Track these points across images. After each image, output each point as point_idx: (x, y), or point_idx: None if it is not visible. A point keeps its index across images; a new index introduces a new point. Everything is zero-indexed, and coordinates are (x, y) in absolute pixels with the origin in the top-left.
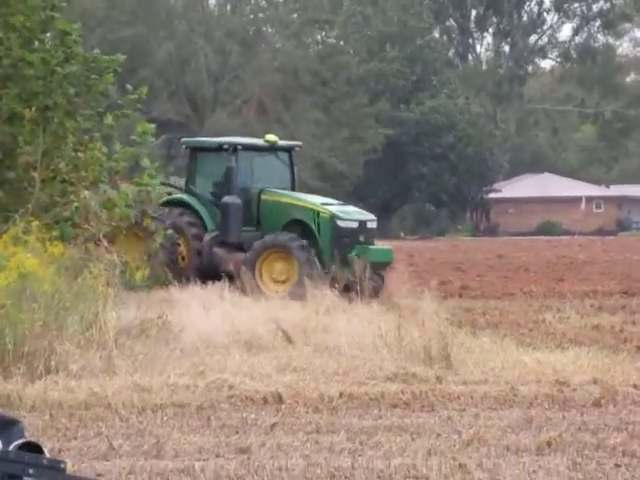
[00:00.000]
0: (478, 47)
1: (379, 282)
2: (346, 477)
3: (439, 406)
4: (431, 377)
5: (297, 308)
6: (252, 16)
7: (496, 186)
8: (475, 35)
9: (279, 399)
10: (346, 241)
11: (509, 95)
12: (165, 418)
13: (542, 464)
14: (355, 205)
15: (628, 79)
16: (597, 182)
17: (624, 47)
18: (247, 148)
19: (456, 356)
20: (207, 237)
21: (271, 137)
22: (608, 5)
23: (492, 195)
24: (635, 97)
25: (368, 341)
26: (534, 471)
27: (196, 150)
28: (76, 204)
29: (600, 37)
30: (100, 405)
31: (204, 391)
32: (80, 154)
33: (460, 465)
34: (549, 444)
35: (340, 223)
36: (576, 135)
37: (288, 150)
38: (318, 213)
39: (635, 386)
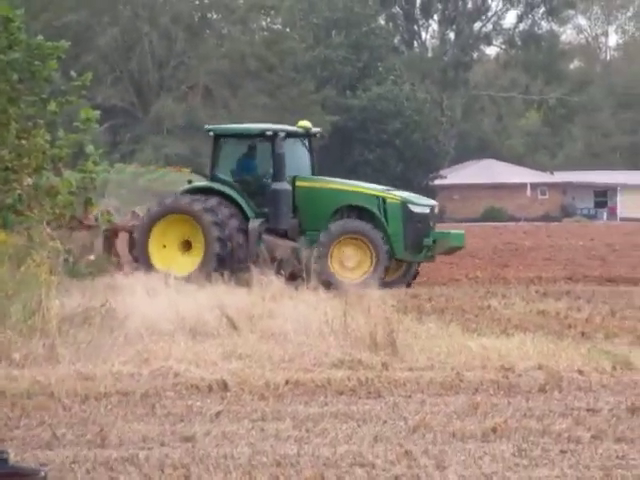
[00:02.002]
0: (424, 34)
1: (412, 274)
2: (292, 465)
3: (385, 392)
4: (377, 363)
5: (242, 294)
6: (197, 2)
7: (442, 172)
8: (420, 22)
9: (224, 387)
10: (420, 227)
11: (455, 82)
12: (109, 406)
13: (487, 450)
14: None
15: (572, 66)
16: (542, 168)
17: (568, 34)
18: (289, 135)
19: (402, 342)
20: (252, 225)
21: (305, 123)
22: None
23: (438, 181)
24: (578, 84)
25: (314, 327)
26: (480, 457)
27: (226, 137)
28: (19, 191)
29: (544, 24)
30: (43, 394)
31: (148, 379)
32: (23, 141)
33: (406, 452)
34: (494, 430)
35: (414, 209)
36: (521, 121)
37: (312, 136)
38: (384, 199)
39: (580, 372)
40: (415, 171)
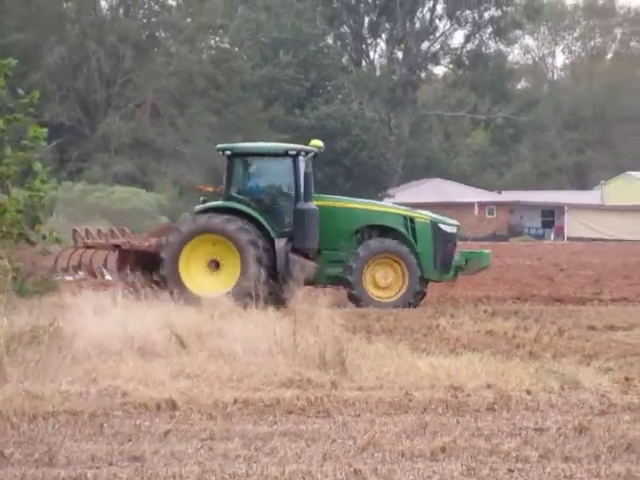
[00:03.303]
0: (372, 53)
1: (420, 295)
2: None
3: (334, 412)
4: (326, 383)
5: (191, 313)
6: (145, 20)
7: (390, 191)
8: (369, 41)
9: (173, 406)
10: (449, 246)
11: (403, 101)
12: (57, 426)
13: (436, 469)
14: None
15: (519, 86)
16: (490, 188)
17: (515, 54)
18: (308, 153)
19: (351, 361)
20: (279, 244)
21: (318, 142)
22: (499, 12)
23: (386, 200)
24: (526, 103)
25: (263, 347)
26: (428, 476)
27: (243, 156)
28: None
29: (492, 44)
30: None
31: (96, 398)
32: None
33: (355, 471)
34: (443, 449)
35: (445, 228)
36: (468, 140)
37: (315, 156)
38: (412, 218)
39: (528, 391)
40: (363, 190)
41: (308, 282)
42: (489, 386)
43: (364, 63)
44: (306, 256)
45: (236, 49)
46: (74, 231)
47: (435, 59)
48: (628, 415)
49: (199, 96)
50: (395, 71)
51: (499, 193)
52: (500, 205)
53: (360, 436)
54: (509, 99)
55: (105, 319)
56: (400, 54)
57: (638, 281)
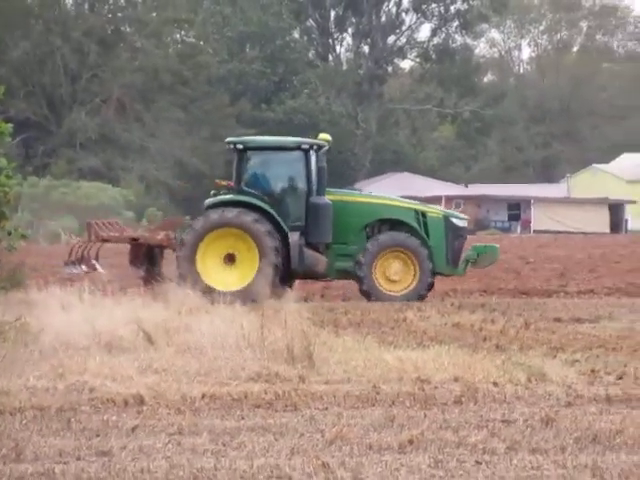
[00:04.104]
0: (338, 47)
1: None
2: (209, 478)
3: (302, 406)
4: (294, 377)
5: (159, 308)
6: (110, 15)
7: (358, 185)
8: (335, 35)
9: (140, 401)
10: (461, 241)
11: (369, 95)
12: (24, 421)
13: (404, 462)
14: None
15: (485, 79)
16: (456, 181)
17: (481, 48)
18: (321, 147)
19: (319, 355)
20: (293, 238)
21: (327, 136)
22: (466, 6)
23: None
24: (492, 97)
25: (231, 341)
26: (396, 469)
27: (255, 150)
28: None
29: (458, 38)
30: None
31: (64, 393)
32: None
33: (323, 464)
34: (411, 442)
35: (457, 222)
36: (435, 134)
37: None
38: (424, 213)
39: (495, 384)
40: (331, 184)
41: (318, 276)
42: (456, 379)
43: (331, 57)
44: (317, 250)
45: (202, 43)
46: (88, 224)
47: (402, 53)
48: (594, 407)
49: (165, 91)
50: (362, 65)
51: (466, 187)
52: (467, 199)
53: (328, 429)
54: (476, 93)
55: (72, 315)
56: (367, 48)
57: (603, 274)
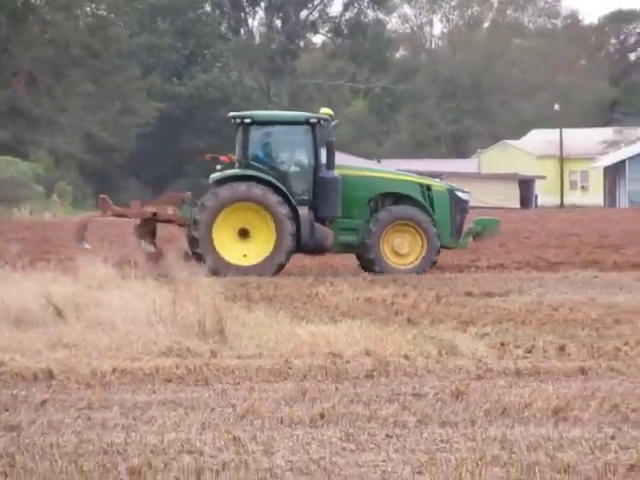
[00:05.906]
0: (250, 21)
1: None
2: (119, 452)
3: (213, 380)
4: (205, 351)
5: (68, 283)
6: None
7: None
8: (247, 9)
9: (50, 375)
10: (464, 214)
11: (282, 69)
12: None
13: (315, 436)
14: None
15: (397, 55)
16: (369, 156)
17: (393, 23)
18: (329, 122)
19: (231, 330)
20: (303, 212)
21: (329, 110)
22: None
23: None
24: (404, 73)
25: (142, 316)
26: (308, 443)
27: (260, 124)
28: None
29: (370, 13)
30: None
31: None
32: None
33: (234, 438)
34: (322, 416)
35: (462, 196)
36: (348, 110)
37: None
38: (429, 186)
39: (406, 357)
40: None
41: (322, 250)
42: (368, 353)
43: (243, 31)
44: (323, 224)
45: (113, 16)
46: (102, 199)
47: (314, 28)
48: (503, 380)
49: (76, 65)
50: (274, 40)
51: (378, 162)
52: None
53: (239, 404)
54: (388, 68)
55: None
56: (279, 22)
57: (513, 248)
